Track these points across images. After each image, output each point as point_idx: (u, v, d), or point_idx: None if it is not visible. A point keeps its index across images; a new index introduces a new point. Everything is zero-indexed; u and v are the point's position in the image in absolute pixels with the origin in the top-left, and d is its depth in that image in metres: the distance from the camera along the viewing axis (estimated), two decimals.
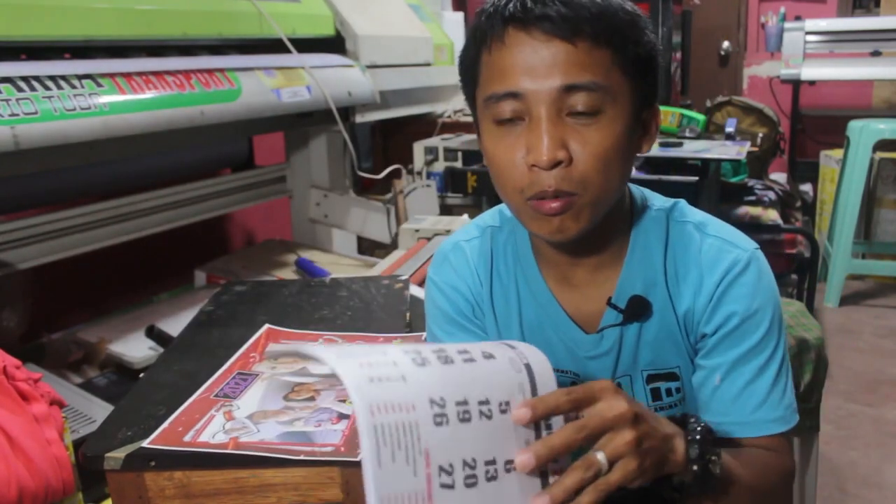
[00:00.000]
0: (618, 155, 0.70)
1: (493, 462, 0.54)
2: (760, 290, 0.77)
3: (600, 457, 0.57)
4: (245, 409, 0.90)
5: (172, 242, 2.14)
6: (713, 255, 0.78)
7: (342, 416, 0.88)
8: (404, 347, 0.55)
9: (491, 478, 0.54)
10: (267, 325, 1.16)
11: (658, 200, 0.83)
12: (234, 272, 2.05)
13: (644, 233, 0.80)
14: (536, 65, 0.67)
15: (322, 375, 0.99)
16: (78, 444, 1.01)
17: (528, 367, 0.57)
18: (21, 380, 0.95)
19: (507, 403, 0.55)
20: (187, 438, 0.83)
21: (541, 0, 0.67)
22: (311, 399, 0.92)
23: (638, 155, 0.78)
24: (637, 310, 0.79)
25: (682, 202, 0.84)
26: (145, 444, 0.83)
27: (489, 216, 0.90)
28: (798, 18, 3.95)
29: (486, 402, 0.54)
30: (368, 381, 0.50)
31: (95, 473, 0.82)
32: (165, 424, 0.87)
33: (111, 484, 0.81)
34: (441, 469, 0.52)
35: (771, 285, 0.79)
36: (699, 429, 0.65)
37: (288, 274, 2.07)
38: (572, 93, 0.67)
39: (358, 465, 0.81)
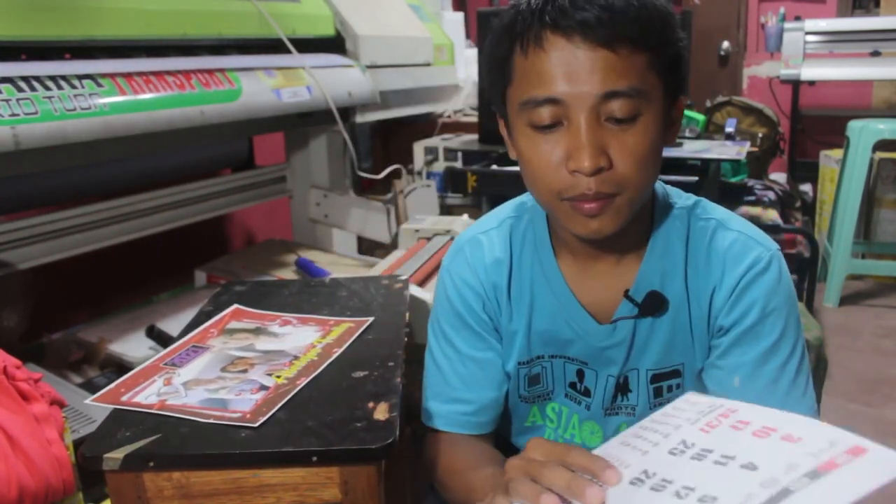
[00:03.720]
0: (653, 154, 0.72)
1: None
2: (780, 290, 0.79)
3: None
4: (184, 376, 0.96)
5: (172, 242, 2.14)
6: (737, 252, 0.79)
7: (262, 388, 0.92)
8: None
9: None
10: (235, 305, 1.20)
11: (680, 198, 0.85)
12: (234, 272, 2.05)
13: (666, 228, 0.82)
14: (577, 71, 0.67)
15: (265, 351, 1.04)
16: (78, 444, 1.01)
17: None
18: (21, 380, 0.95)
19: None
20: (124, 399, 0.91)
21: (579, 4, 0.67)
22: (244, 371, 0.97)
23: None
24: (653, 305, 0.80)
25: (704, 200, 0.85)
26: (87, 401, 0.90)
27: (508, 208, 0.91)
28: (798, 18, 3.95)
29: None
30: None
31: (96, 473, 0.82)
32: (112, 385, 0.94)
33: (110, 484, 0.82)
34: None
35: (789, 286, 0.81)
36: None
37: (288, 274, 2.07)
38: (612, 99, 0.68)
39: (355, 463, 0.81)
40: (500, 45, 0.74)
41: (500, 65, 0.74)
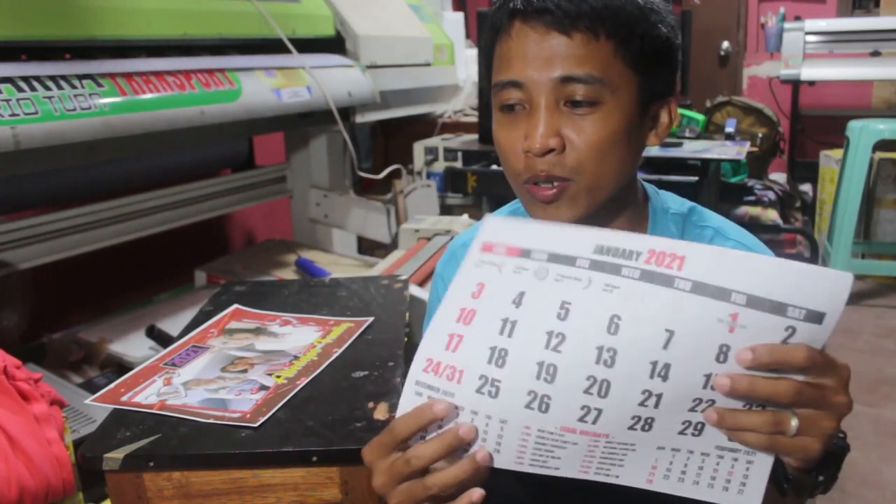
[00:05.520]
0: (615, 145, 0.71)
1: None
2: None
3: (793, 423, 0.53)
4: (184, 376, 0.97)
5: (172, 242, 2.14)
6: None
7: (262, 388, 0.93)
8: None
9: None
10: (235, 305, 1.20)
11: (674, 203, 0.84)
12: (234, 272, 2.05)
13: (661, 233, 0.81)
14: (536, 56, 0.69)
15: (265, 351, 1.04)
16: (78, 444, 1.01)
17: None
18: (21, 380, 0.95)
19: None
20: (124, 399, 0.91)
21: None
22: (244, 371, 0.98)
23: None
24: None
25: (699, 207, 0.84)
26: (87, 401, 0.90)
27: (502, 213, 0.91)
28: (798, 18, 3.95)
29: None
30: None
31: (96, 473, 0.82)
32: (111, 385, 0.94)
33: (110, 484, 0.82)
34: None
35: None
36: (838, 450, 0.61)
37: (288, 274, 2.07)
38: (569, 84, 0.69)
39: (355, 463, 0.81)
40: (487, 41, 0.76)
41: (487, 59, 0.77)
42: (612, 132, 0.70)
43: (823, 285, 0.50)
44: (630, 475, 0.58)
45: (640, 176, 0.84)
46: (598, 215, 0.76)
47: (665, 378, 0.52)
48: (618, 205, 0.78)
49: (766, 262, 0.50)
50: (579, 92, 0.69)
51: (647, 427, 0.55)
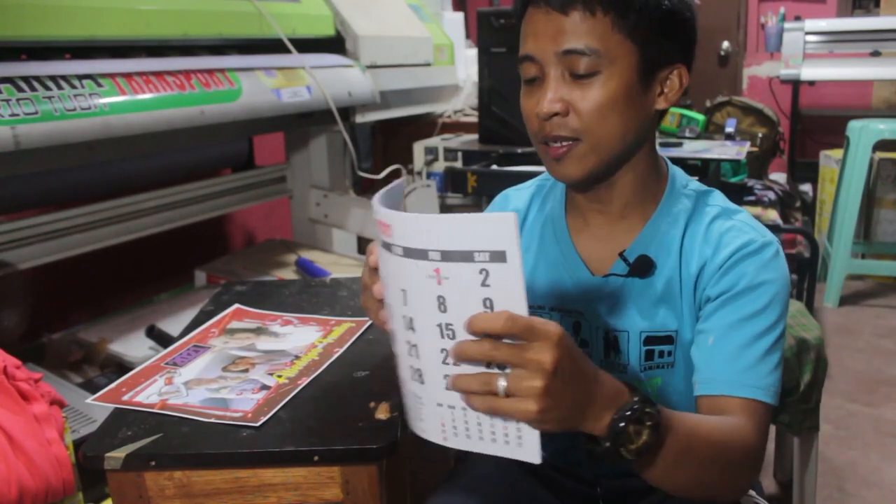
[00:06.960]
0: (614, 108, 0.80)
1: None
2: (770, 269, 0.84)
3: (501, 382, 0.59)
4: (185, 376, 0.97)
5: (172, 242, 2.14)
6: (732, 236, 0.85)
7: (264, 387, 0.93)
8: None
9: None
10: (236, 305, 1.21)
11: (696, 184, 0.92)
12: (234, 272, 2.05)
13: (673, 204, 0.89)
14: (544, 33, 0.80)
15: (266, 351, 1.04)
16: (78, 444, 1.01)
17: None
18: (21, 380, 0.95)
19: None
20: (125, 398, 0.91)
21: None
22: (245, 371, 0.98)
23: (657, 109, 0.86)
24: (641, 267, 0.87)
25: (719, 192, 0.93)
26: (88, 400, 0.91)
27: (525, 187, 1.03)
28: (798, 18, 3.95)
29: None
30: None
31: (96, 473, 0.82)
32: (112, 385, 0.94)
33: (111, 484, 0.82)
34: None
35: (782, 270, 0.85)
36: (629, 414, 0.64)
37: (288, 274, 2.07)
38: (569, 56, 0.79)
39: (356, 462, 0.81)
40: (515, 25, 0.86)
41: (518, 37, 0.86)
42: (610, 97, 0.79)
43: (494, 228, 0.56)
44: (430, 430, 0.65)
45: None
46: (607, 177, 0.85)
47: (413, 329, 0.62)
48: (627, 170, 0.86)
49: (446, 220, 0.58)
50: (580, 62, 0.78)
51: (420, 379, 0.63)
